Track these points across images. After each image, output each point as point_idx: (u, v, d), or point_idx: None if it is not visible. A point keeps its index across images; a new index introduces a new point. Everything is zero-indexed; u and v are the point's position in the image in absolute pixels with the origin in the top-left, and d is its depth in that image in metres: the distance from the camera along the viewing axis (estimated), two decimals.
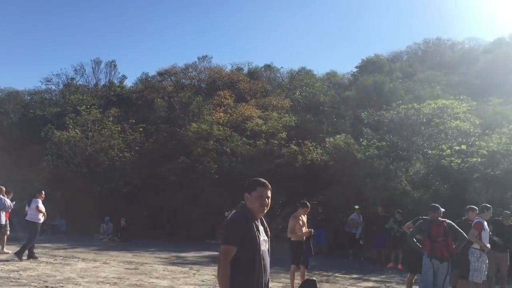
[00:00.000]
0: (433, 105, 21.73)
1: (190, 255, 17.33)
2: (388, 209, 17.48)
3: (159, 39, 79.94)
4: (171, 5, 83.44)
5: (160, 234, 23.76)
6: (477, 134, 19.78)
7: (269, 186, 3.87)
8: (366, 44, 78.46)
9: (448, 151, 18.53)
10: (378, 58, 37.97)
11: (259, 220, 3.86)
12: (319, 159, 22.11)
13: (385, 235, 16.53)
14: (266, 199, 3.81)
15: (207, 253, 17.75)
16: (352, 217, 18.30)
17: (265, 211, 3.85)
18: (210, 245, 20.22)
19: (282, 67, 42.85)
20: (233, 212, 3.88)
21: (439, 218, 8.46)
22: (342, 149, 21.65)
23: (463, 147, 18.43)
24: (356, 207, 18.30)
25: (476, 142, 18.80)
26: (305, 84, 34.72)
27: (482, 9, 71.85)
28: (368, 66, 35.85)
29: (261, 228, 3.84)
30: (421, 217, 9.39)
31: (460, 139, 19.44)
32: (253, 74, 41.12)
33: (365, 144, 21.09)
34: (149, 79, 40.72)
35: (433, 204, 8.94)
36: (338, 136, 22.58)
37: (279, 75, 42.87)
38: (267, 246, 3.87)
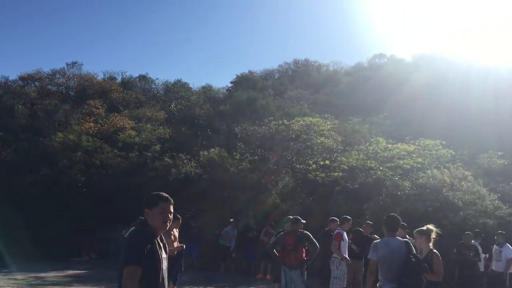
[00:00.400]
0: (301, 122, 23.13)
1: (51, 275, 15.99)
2: (260, 221, 18.04)
3: (22, 41, 73.80)
4: (36, 4, 77.62)
5: (18, 253, 21.59)
6: (339, 150, 21.42)
7: (172, 201, 3.72)
8: (241, 61, 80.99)
9: (314, 165, 19.79)
10: (252, 75, 39.47)
11: (158, 237, 3.70)
12: (193, 172, 22.09)
13: (256, 247, 16.99)
14: (169, 215, 3.66)
15: (70, 272, 16.55)
16: (226, 230, 18.50)
17: (168, 227, 3.71)
18: (75, 263, 18.93)
19: (157, 79, 42.36)
20: (132, 229, 3.63)
21: (299, 230, 8.92)
22: (216, 162, 21.92)
23: (327, 162, 19.81)
24: (231, 220, 18.56)
25: (338, 158, 20.34)
26: (181, 97, 34.68)
27: (345, 35, 78.79)
28: (243, 82, 37.06)
29: (161, 245, 3.69)
30: (282, 230, 9.87)
31: (324, 155, 20.87)
32: (127, 84, 39.96)
33: (238, 158, 21.62)
34: (9, 83, 37.26)
35: (294, 216, 9.44)
36: (212, 149, 22.83)
37: (154, 86, 42.24)
38: (166, 264, 3.72)
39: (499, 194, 17.34)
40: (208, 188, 20.89)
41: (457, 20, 70.88)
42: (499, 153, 20.79)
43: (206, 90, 38.99)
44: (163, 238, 3.82)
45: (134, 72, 56.85)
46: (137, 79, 41.97)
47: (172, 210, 3.72)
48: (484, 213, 15.83)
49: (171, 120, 30.24)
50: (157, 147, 24.19)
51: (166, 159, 22.69)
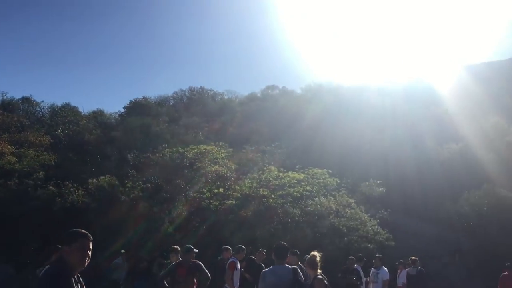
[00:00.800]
0: (196, 150, 23.15)
1: None
2: (153, 252, 17.50)
3: None
4: None
5: None
6: (232, 178, 21.71)
7: (91, 238, 3.59)
8: (135, 86, 79.32)
9: (208, 194, 19.83)
10: (146, 101, 38.84)
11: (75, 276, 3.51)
12: (80, 201, 20.91)
13: (147, 280, 16.38)
14: (88, 251, 3.53)
15: None
16: (116, 262, 17.56)
17: (86, 264, 3.55)
18: None
19: (43, 101, 39.77)
20: (47, 267, 3.42)
21: (191, 260, 8.79)
22: (105, 190, 21.05)
23: (221, 190, 19.97)
24: (122, 251, 17.69)
25: (232, 186, 20.60)
26: (69, 121, 32.93)
27: (240, 65, 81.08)
28: (136, 107, 36.33)
29: (79, 285, 3.52)
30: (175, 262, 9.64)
31: (218, 183, 21.01)
32: (7, 106, 37.03)
33: (130, 186, 20.99)
34: None
35: (186, 246, 9.30)
36: (102, 177, 21.89)
37: (39, 109, 39.61)
38: None
39: (378, 220, 18.79)
40: (97, 217, 19.90)
41: (343, 54, 76.72)
42: (379, 181, 22.55)
43: (97, 114, 37.50)
44: (80, 278, 3.65)
45: (16, 93, 52.68)
46: (20, 101, 39.09)
47: (91, 247, 3.61)
48: (365, 238, 17.02)
49: (57, 145, 28.50)
50: (41, 175, 22.56)
51: (50, 187, 21.24)
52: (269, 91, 47.75)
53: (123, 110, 38.18)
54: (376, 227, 18.03)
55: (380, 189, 22.09)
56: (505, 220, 19.53)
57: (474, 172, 23.39)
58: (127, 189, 20.79)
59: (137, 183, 21.07)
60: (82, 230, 3.67)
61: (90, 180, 21.81)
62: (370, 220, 18.50)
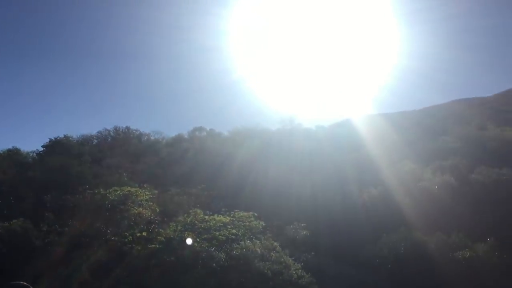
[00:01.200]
0: (119, 191, 22.36)
1: None
2: None
3: None
4: None
5: None
6: (157, 221, 21.14)
7: None
8: (56, 124, 76.08)
9: (130, 237, 19.09)
10: (68, 139, 37.31)
11: None
12: None
13: None
14: None
15: None
16: None
17: None
18: None
19: None
20: None
21: None
22: (18, 234, 19.65)
23: (144, 234, 19.32)
24: None
25: (156, 229, 20.02)
26: None
27: (167, 106, 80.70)
28: (56, 146, 34.76)
29: None
30: None
31: (142, 226, 20.35)
32: None
33: (45, 229, 19.80)
34: None
35: None
36: (14, 220, 20.47)
37: None
38: None
39: (302, 263, 18.99)
40: (6, 264, 18.44)
41: (269, 98, 78.95)
42: (303, 224, 22.96)
43: (12, 153, 35.35)
44: None
45: None
46: None
47: None
48: (289, 282, 17.09)
49: None
50: None
51: None
52: (197, 132, 47.76)
53: (41, 149, 36.30)
54: (300, 270, 18.19)
55: (304, 232, 22.47)
56: (422, 263, 20.47)
57: (393, 215, 24.55)
58: (42, 233, 19.59)
59: (54, 227, 19.93)
60: (24, 283, 3.56)
61: (0, 224, 20.33)
62: (294, 263, 18.65)
